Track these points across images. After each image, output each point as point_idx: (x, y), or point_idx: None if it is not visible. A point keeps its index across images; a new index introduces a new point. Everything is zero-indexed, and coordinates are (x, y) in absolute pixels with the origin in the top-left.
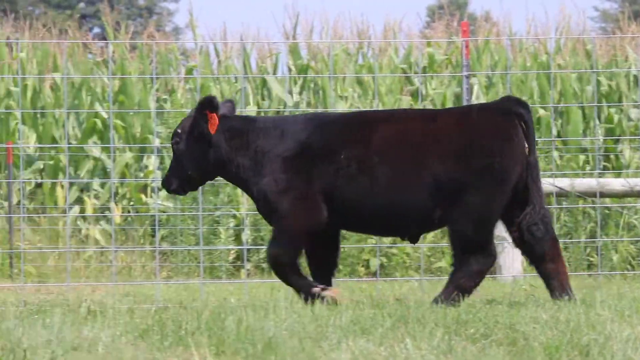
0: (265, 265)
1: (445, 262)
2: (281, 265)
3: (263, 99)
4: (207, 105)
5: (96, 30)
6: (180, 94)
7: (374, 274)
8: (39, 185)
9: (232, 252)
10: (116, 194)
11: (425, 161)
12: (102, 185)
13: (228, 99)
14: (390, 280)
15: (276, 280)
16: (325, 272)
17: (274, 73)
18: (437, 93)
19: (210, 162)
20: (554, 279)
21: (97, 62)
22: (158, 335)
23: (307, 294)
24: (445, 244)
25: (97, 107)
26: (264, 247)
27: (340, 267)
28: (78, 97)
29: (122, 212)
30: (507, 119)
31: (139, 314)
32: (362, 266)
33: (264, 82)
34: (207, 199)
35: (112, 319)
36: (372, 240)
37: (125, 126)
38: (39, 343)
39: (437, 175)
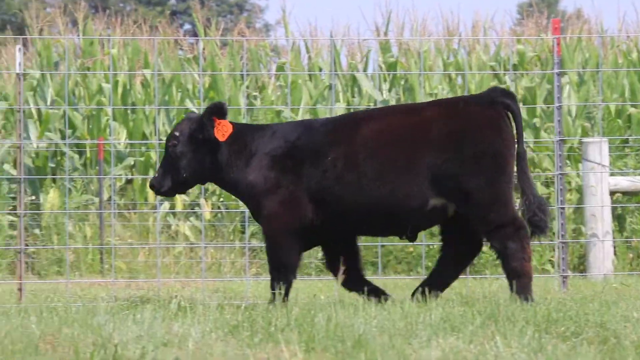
0: None
1: (534, 261)
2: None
3: (353, 96)
4: (216, 111)
5: (187, 26)
6: (271, 91)
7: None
8: (129, 182)
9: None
10: (206, 190)
11: (416, 155)
12: None
13: (220, 102)
14: (480, 278)
15: (366, 277)
16: (354, 276)
17: (365, 70)
18: (527, 90)
19: (209, 166)
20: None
21: (187, 59)
22: (248, 332)
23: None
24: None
25: (188, 104)
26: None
27: (429, 264)
28: (168, 94)
29: (212, 209)
30: (494, 109)
31: (229, 310)
32: None
33: (354, 79)
34: None
35: (202, 315)
36: None
37: None
38: (130, 338)
39: (429, 168)
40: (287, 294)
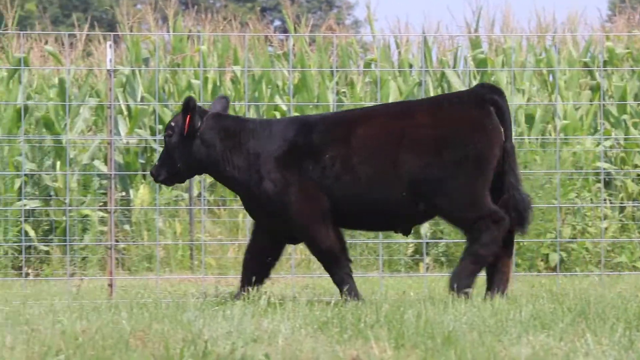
0: (444, 258)
1: (625, 257)
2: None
3: (443, 92)
4: (185, 106)
5: (277, 23)
6: (360, 87)
7: (554, 269)
8: None
9: (411, 245)
10: None
11: (401, 156)
12: None
13: (222, 95)
14: (570, 275)
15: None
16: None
17: (455, 66)
18: (618, 87)
19: (200, 159)
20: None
21: (277, 55)
22: (337, 328)
23: (349, 288)
24: (625, 239)
25: (277, 100)
26: (443, 241)
27: (519, 261)
28: (258, 90)
29: None
30: (480, 107)
31: (318, 307)
32: (542, 260)
33: (443, 76)
34: None
35: (291, 311)
36: (550, 235)
37: None
38: (220, 334)
39: (411, 171)
40: (351, 279)
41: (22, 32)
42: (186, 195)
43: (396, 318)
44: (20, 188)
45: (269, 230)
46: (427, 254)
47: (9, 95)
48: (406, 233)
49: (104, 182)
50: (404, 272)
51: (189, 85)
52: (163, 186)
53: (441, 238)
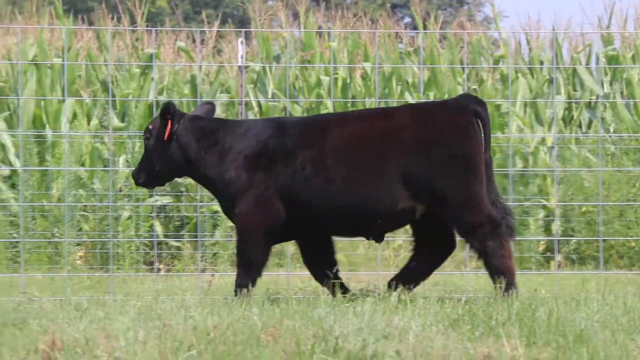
0: (575, 256)
1: None
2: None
3: (575, 90)
4: (165, 111)
5: (406, 20)
6: (490, 84)
7: None
8: None
9: (542, 243)
10: None
11: (386, 159)
12: None
13: (208, 101)
14: None
15: (587, 272)
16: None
17: (587, 63)
18: None
19: (178, 161)
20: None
21: (407, 52)
22: (468, 326)
23: (240, 291)
24: None
25: (407, 97)
26: (575, 239)
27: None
28: (388, 87)
29: None
30: (464, 115)
31: (449, 304)
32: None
33: (574, 73)
34: (516, 190)
35: (422, 308)
36: None
37: None
38: (350, 331)
39: (400, 172)
40: (251, 286)
41: (153, 28)
42: None
43: (527, 316)
44: None
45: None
46: (559, 251)
47: (141, 92)
48: (379, 240)
49: None
50: (535, 270)
51: (318, 82)
52: None
53: (572, 235)
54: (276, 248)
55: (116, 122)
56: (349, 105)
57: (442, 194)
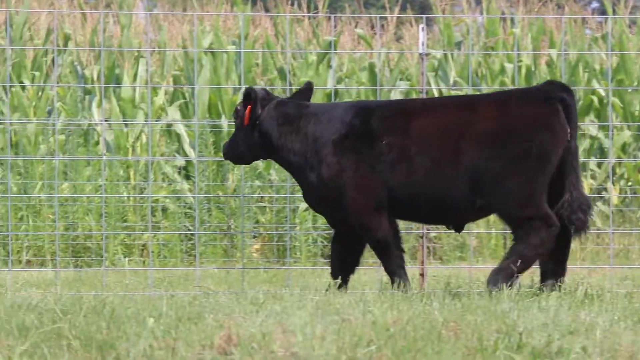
0: None
1: None
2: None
3: None
4: (246, 96)
5: (594, 4)
6: None
7: None
8: None
9: None
10: (614, 173)
11: (464, 149)
12: (599, 165)
13: (308, 82)
14: None
15: None
16: (344, 269)
17: None
18: None
19: (257, 145)
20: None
21: (594, 38)
22: None
23: (400, 280)
24: None
25: (594, 84)
26: None
27: None
28: (575, 74)
29: (620, 193)
30: (548, 104)
31: (638, 299)
32: None
33: None
34: None
35: (609, 303)
36: None
37: (623, 105)
38: (535, 326)
39: (475, 162)
40: (402, 270)
41: (332, 14)
42: None
43: None
44: None
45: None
46: None
47: (318, 79)
48: (459, 229)
49: None
50: None
51: (502, 69)
52: None
53: None
54: (457, 241)
55: None
56: None
57: (506, 190)
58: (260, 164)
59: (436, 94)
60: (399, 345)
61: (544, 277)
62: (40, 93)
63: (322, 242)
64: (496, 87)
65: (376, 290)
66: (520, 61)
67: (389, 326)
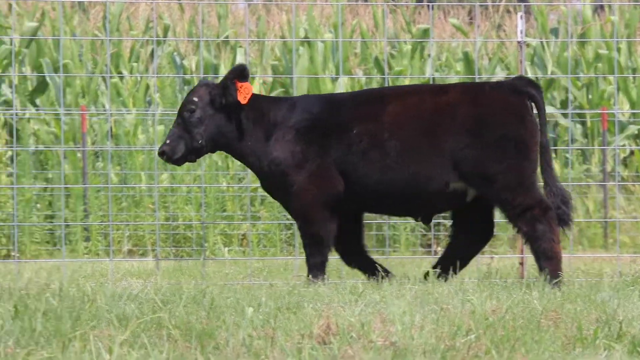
0: None
1: None
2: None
3: None
4: (238, 74)
5: None
6: None
7: None
8: (632, 153)
9: None
10: None
11: (438, 137)
12: None
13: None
14: None
15: None
16: (353, 254)
17: None
18: None
19: (226, 133)
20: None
21: None
22: None
23: (316, 276)
24: None
25: None
26: None
27: None
28: None
29: None
30: (519, 98)
31: None
32: None
33: None
34: None
35: None
36: None
37: None
38: (635, 315)
39: (451, 151)
40: (323, 267)
41: (429, 3)
42: (599, 170)
43: None
44: None
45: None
46: None
47: (412, 69)
48: (427, 222)
49: None
50: None
51: (597, 57)
52: (574, 162)
53: None
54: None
55: None
56: (630, 80)
57: (492, 176)
58: None
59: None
60: (498, 334)
61: (442, 261)
62: (138, 84)
63: (420, 231)
64: (592, 75)
65: (475, 280)
66: (619, 48)
67: (487, 315)
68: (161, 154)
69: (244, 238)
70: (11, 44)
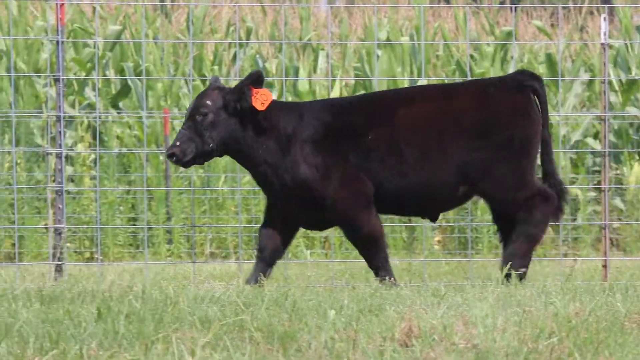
0: None
1: None
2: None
3: None
4: (254, 80)
5: None
6: None
7: None
8: None
9: None
10: None
11: (445, 138)
12: None
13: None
14: None
15: None
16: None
17: None
18: None
19: (238, 139)
20: None
21: None
22: None
23: (385, 274)
24: None
25: None
26: None
27: None
28: None
29: None
30: (523, 94)
31: None
32: None
33: None
34: None
35: None
36: None
37: None
38: None
39: (459, 154)
40: (388, 264)
41: (512, 5)
42: None
43: None
44: None
45: (286, 214)
46: None
47: (494, 71)
48: (434, 220)
49: (598, 159)
50: None
51: None
52: None
53: None
54: (639, 232)
55: None
56: None
57: (496, 177)
58: None
59: (616, 85)
60: (581, 336)
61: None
62: None
63: None
64: None
65: (558, 282)
66: None
67: (570, 318)
68: (170, 155)
69: (326, 241)
70: (95, 47)
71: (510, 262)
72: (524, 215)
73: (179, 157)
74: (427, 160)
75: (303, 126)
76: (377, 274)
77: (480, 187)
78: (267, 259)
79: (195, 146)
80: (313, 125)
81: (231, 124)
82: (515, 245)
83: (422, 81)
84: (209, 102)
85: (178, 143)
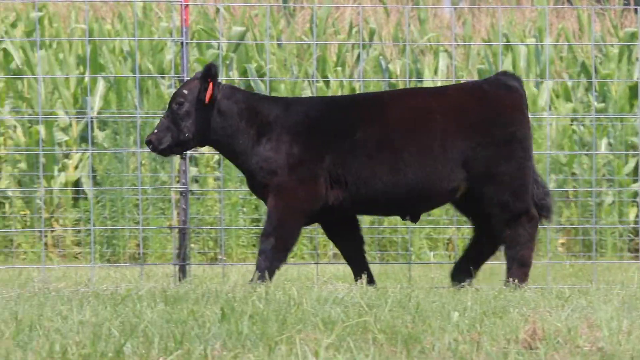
0: None
1: None
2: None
3: None
4: (208, 72)
5: None
6: None
7: None
8: None
9: None
10: None
11: (446, 137)
12: None
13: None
14: None
15: None
16: (354, 255)
17: None
18: None
19: (213, 129)
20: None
21: None
22: None
23: (262, 279)
24: None
25: None
26: None
27: None
28: None
29: None
30: (517, 93)
31: None
32: None
33: None
34: None
35: None
36: None
37: None
38: None
39: (461, 153)
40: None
41: (635, 6)
42: None
43: None
44: (636, 168)
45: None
46: None
47: (619, 73)
48: (415, 220)
49: None
50: None
51: None
52: None
53: None
54: None
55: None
56: None
57: (500, 176)
58: (562, 157)
59: None
60: None
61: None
62: (342, 88)
63: (629, 236)
64: None
65: None
66: None
67: None
68: (147, 142)
69: (450, 242)
70: (218, 49)
71: (520, 285)
72: (511, 234)
73: (154, 145)
74: (420, 160)
75: (287, 117)
76: (254, 276)
77: (480, 187)
78: (353, 258)
79: (171, 135)
80: (297, 117)
81: (207, 115)
82: (512, 272)
83: (547, 83)
84: (185, 92)
85: (156, 131)
